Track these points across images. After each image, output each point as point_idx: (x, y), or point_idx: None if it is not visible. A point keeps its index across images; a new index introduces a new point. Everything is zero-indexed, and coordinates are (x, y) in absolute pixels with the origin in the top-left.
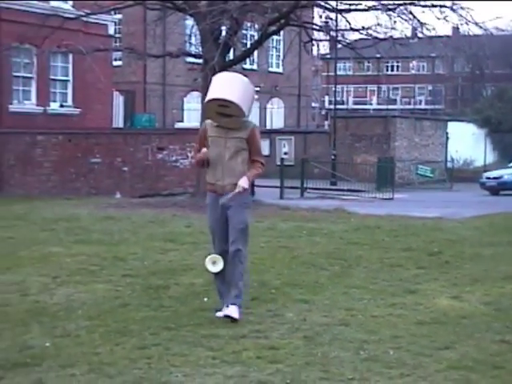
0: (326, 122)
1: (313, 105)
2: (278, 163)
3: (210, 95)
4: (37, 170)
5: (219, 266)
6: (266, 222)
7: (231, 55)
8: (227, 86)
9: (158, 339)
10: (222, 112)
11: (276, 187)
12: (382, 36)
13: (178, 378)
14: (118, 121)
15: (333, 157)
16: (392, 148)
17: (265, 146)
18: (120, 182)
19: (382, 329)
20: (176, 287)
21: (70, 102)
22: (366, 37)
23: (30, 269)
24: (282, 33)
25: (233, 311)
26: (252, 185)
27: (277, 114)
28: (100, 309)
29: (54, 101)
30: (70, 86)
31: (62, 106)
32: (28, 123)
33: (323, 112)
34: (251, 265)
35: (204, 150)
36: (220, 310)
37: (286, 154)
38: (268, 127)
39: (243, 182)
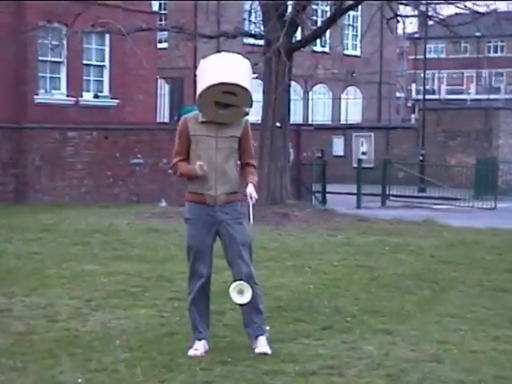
0: (413, 116)
1: (397, 95)
2: (355, 165)
3: (213, 79)
4: (67, 172)
5: (248, 296)
6: (341, 236)
7: (299, 35)
8: (233, 68)
9: (211, 375)
10: (223, 101)
11: (352, 194)
12: (483, 10)
13: None
14: (164, 114)
15: (421, 157)
16: (494, 147)
17: (339, 145)
18: (166, 188)
19: (482, 367)
20: (232, 313)
21: (106, 91)
22: (463, 11)
23: (59, 290)
24: (359, 8)
25: (264, 345)
26: (323, 191)
27: (353, 106)
28: (142, 338)
29: (88, 90)
30: (106, 72)
31: (96, 96)
32: (57, 117)
33: (410, 103)
34: (323, 287)
35: (200, 163)
36: (191, 347)
37: (364, 153)
38: (342, 122)
39: (253, 192)
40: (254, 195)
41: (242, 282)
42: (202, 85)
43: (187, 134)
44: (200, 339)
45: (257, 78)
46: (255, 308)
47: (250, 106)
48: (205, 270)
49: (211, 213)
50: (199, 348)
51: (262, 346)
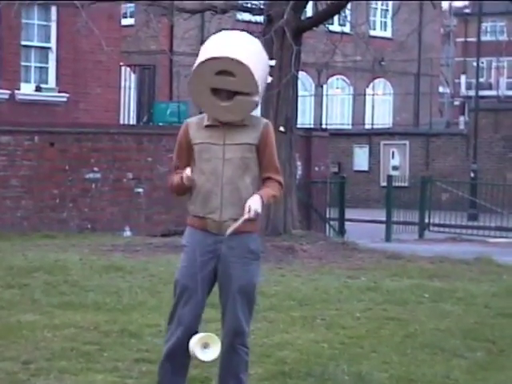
0: (462, 118)
1: (441, 90)
2: (384, 184)
3: (205, 55)
4: None
5: (214, 352)
6: (364, 279)
7: (310, 10)
8: (235, 43)
9: None
10: (221, 86)
11: (380, 222)
12: None
13: None
14: (130, 113)
15: (472, 174)
16: None
17: (362, 157)
18: (131, 212)
19: None
20: None
21: (52, 82)
22: None
23: None
24: None
25: None
26: (341, 218)
27: (382, 105)
28: None
29: (27, 81)
30: (52, 57)
31: (39, 88)
32: None
33: (457, 102)
34: (341, 347)
35: (188, 170)
36: None
37: (396, 168)
38: (367, 126)
39: (255, 204)
40: (255, 207)
41: (210, 334)
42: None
43: (188, 142)
44: None
45: None
46: (235, 376)
47: (258, 94)
48: (189, 317)
49: (212, 243)
50: None
51: None
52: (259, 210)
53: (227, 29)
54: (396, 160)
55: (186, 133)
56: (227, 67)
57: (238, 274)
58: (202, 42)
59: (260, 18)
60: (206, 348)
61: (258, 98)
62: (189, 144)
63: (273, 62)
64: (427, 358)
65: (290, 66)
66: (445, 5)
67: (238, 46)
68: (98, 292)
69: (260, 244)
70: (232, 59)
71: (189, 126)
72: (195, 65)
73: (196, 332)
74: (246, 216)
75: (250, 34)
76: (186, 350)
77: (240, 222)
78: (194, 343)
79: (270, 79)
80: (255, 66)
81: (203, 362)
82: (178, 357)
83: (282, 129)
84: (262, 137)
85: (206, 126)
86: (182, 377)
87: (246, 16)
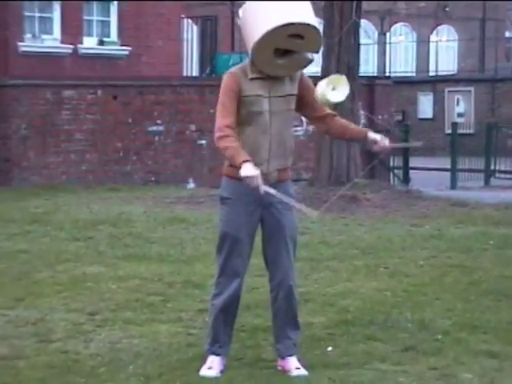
0: None
1: (507, 35)
2: (448, 131)
3: (278, 19)
4: (63, 144)
5: (344, 92)
6: (429, 227)
7: None
8: (296, 4)
9: None
10: (287, 47)
11: (445, 170)
12: None
13: None
14: (192, 65)
15: None
16: None
17: (427, 104)
18: (195, 164)
19: None
20: (256, 331)
21: (114, 36)
22: None
23: (53, 300)
24: None
25: (300, 367)
26: (405, 166)
27: (446, 51)
28: (163, 363)
29: (90, 35)
30: (114, 11)
31: (102, 42)
32: (49, 70)
33: None
34: (404, 294)
35: (249, 165)
36: (205, 364)
37: (461, 115)
38: (431, 73)
39: (386, 140)
40: (386, 143)
41: (334, 76)
42: (257, 30)
43: (237, 93)
44: (218, 354)
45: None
46: (293, 321)
47: (317, 52)
48: (243, 268)
49: (258, 193)
50: (214, 366)
51: (298, 368)
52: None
53: None
54: (461, 107)
55: (238, 84)
56: (302, 31)
57: (288, 221)
58: None
59: None
60: (335, 90)
61: (313, 56)
62: (237, 95)
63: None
64: (491, 305)
65: (351, 13)
66: None
67: (304, 7)
68: (162, 244)
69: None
70: (309, 25)
71: (235, 76)
72: (268, 27)
73: (243, 274)
74: (388, 145)
75: None
76: (238, 301)
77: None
78: (323, 86)
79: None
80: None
81: (336, 102)
82: (233, 308)
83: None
84: (301, 85)
85: (251, 79)
86: (232, 326)
87: None
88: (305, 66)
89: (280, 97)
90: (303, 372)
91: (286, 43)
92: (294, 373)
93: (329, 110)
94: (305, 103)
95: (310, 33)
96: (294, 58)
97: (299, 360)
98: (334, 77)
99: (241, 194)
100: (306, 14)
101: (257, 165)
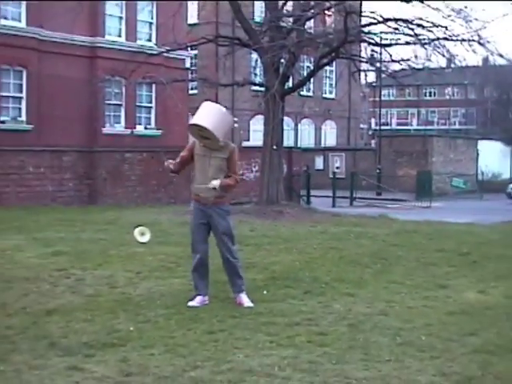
0: (373, 141)
1: (361, 126)
2: (331, 176)
3: (192, 120)
4: (125, 182)
5: (147, 237)
6: (319, 227)
7: (290, 83)
8: (207, 114)
9: (224, 325)
10: (202, 135)
11: (329, 197)
12: (419, 66)
13: (240, 358)
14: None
15: (378, 170)
16: (430, 163)
17: (320, 162)
18: None
19: (416, 318)
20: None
21: (153, 124)
22: (405, 67)
23: (117, 265)
24: (333, 64)
25: (248, 301)
26: (308, 195)
27: (330, 134)
28: (176, 300)
29: (140, 124)
30: (153, 111)
31: (146, 128)
32: (118, 143)
33: (370, 132)
34: (305, 263)
35: (170, 161)
36: (192, 300)
37: (337, 168)
38: (322, 145)
39: (216, 182)
40: (214, 183)
41: (143, 227)
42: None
43: (193, 150)
44: (198, 295)
45: (259, 113)
46: (237, 274)
47: (219, 140)
48: (199, 245)
49: (204, 209)
50: (196, 301)
51: (247, 301)
52: (216, 185)
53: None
54: (338, 163)
55: (194, 145)
56: (201, 128)
57: (220, 224)
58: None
59: (262, 88)
60: (142, 235)
61: (219, 142)
62: (193, 151)
63: (236, 119)
64: (351, 269)
65: (279, 114)
66: (362, 80)
67: (209, 116)
68: (177, 235)
69: (229, 208)
70: (201, 126)
71: (195, 142)
72: (190, 123)
73: (206, 251)
74: (209, 185)
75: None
76: (204, 265)
77: (206, 186)
78: (136, 234)
79: (236, 125)
80: (217, 125)
81: (142, 243)
82: (200, 268)
83: (275, 147)
84: (229, 154)
85: (202, 146)
86: (205, 279)
87: (255, 87)
88: (218, 145)
89: (215, 157)
90: (250, 304)
91: (201, 133)
92: (245, 304)
93: (232, 174)
94: (228, 164)
95: (207, 130)
96: (211, 141)
97: (248, 297)
98: (141, 228)
99: (196, 209)
100: (205, 120)
101: (200, 191)
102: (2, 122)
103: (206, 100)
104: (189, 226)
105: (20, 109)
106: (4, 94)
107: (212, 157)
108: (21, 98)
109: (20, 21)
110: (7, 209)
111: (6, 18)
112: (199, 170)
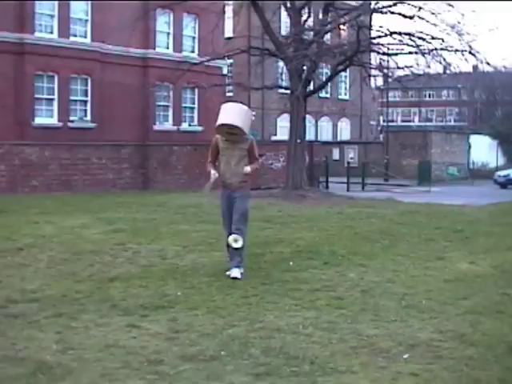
0: (381, 135)
1: (371, 123)
2: (346, 165)
3: (221, 120)
4: (172, 171)
5: (240, 243)
6: (336, 208)
7: (311, 87)
8: (234, 114)
9: (257, 291)
10: (230, 132)
11: (344, 183)
12: (420, 72)
13: (270, 319)
14: None
15: (385, 160)
16: (429, 154)
17: (336, 153)
18: None
19: (418, 285)
20: (270, 255)
21: (195, 122)
22: (408, 73)
23: (167, 241)
24: (347, 70)
25: (235, 272)
26: (326, 181)
27: (345, 130)
28: (216, 269)
29: (185, 121)
30: (195, 111)
31: (190, 125)
32: (166, 138)
33: (379, 128)
34: (325, 238)
35: (214, 172)
36: (229, 270)
37: (351, 158)
38: (338, 139)
39: (247, 168)
40: (248, 170)
41: (235, 236)
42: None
43: (217, 146)
44: (236, 267)
45: (285, 112)
46: (237, 252)
47: (246, 134)
48: (229, 225)
49: (228, 193)
50: (233, 271)
51: (235, 273)
52: (249, 171)
53: (234, 101)
54: (351, 154)
55: (217, 142)
56: (232, 127)
57: (240, 205)
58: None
59: (288, 91)
60: (236, 242)
61: (245, 135)
62: (218, 146)
63: (254, 113)
64: (363, 243)
65: (302, 112)
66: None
67: (235, 115)
68: (216, 216)
69: (250, 192)
70: (233, 125)
71: (217, 139)
72: (219, 123)
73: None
74: (245, 171)
75: (285, 98)
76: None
77: (244, 171)
78: (230, 240)
79: (253, 118)
80: (243, 122)
81: (236, 248)
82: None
83: (299, 141)
84: (250, 145)
85: (225, 140)
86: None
87: (282, 90)
88: (243, 138)
89: (238, 149)
90: (237, 275)
91: (229, 130)
92: (232, 275)
93: (253, 160)
94: (248, 154)
95: (237, 128)
96: (237, 136)
97: (241, 269)
98: (234, 236)
99: (223, 195)
100: (234, 119)
101: (226, 178)
102: (71, 121)
103: (227, 101)
104: (219, 210)
105: (86, 110)
106: (72, 97)
107: (235, 148)
108: (86, 101)
109: (86, 37)
110: (75, 194)
111: (74, 36)
112: (224, 161)
